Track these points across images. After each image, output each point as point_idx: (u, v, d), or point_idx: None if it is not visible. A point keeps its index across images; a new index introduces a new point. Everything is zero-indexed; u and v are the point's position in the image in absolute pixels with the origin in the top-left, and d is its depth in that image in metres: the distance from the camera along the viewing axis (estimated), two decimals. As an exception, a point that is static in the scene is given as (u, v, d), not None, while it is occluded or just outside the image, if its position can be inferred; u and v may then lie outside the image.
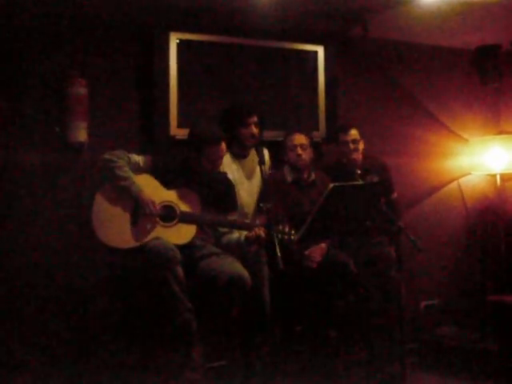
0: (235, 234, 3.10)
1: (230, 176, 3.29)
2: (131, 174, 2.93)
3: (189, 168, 3.08)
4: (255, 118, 3.36)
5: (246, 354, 3.19)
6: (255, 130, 3.36)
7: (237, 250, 3.07)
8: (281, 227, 2.92)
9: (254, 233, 2.94)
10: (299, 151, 3.49)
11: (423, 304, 4.39)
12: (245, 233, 3.01)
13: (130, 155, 2.98)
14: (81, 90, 3.40)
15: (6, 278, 3.28)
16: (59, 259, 3.36)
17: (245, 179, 3.41)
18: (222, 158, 3.08)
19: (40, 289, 3.32)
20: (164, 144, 3.56)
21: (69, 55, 3.47)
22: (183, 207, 2.97)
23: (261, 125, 3.40)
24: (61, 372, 3.20)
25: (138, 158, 3.00)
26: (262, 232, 2.94)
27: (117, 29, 3.61)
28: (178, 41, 3.64)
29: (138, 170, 2.98)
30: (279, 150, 3.60)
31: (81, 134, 3.40)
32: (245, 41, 3.83)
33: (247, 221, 3.18)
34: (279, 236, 2.89)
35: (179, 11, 3.56)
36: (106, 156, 2.94)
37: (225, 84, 3.77)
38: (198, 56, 3.71)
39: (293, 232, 2.92)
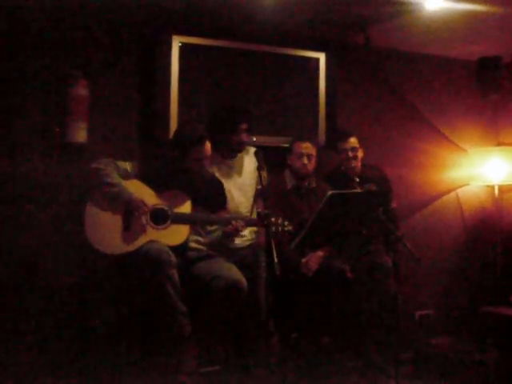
0: (218, 231, 3.11)
1: (219, 175, 3.29)
2: (120, 180, 2.93)
3: (176, 170, 3.07)
4: (245, 125, 3.36)
5: (241, 358, 3.18)
6: (245, 137, 3.36)
7: (219, 246, 3.12)
8: (273, 219, 2.89)
9: (231, 226, 2.96)
10: (305, 160, 3.50)
11: (418, 314, 4.38)
12: None
13: (118, 162, 2.99)
14: (82, 90, 3.40)
15: (7, 278, 3.27)
16: (59, 259, 3.35)
17: (236, 177, 3.41)
18: (207, 157, 3.06)
19: (40, 289, 3.31)
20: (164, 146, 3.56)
21: (70, 56, 3.47)
22: (174, 208, 2.97)
23: (250, 131, 3.40)
24: (59, 372, 3.19)
25: (126, 165, 3.01)
26: (239, 225, 2.96)
27: (119, 31, 3.62)
28: (180, 44, 3.64)
29: (126, 176, 2.98)
30: (284, 154, 3.60)
31: (81, 135, 3.40)
32: (247, 46, 3.83)
33: (237, 216, 3.16)
34: (273, 228, 2.86)
35: (182, 15, 3.57)
36: (94, 165, 2.95)
37: (226, 88, 3.78)
38: (200, 59, 3.72)
39: (286, 223, 2.91)
